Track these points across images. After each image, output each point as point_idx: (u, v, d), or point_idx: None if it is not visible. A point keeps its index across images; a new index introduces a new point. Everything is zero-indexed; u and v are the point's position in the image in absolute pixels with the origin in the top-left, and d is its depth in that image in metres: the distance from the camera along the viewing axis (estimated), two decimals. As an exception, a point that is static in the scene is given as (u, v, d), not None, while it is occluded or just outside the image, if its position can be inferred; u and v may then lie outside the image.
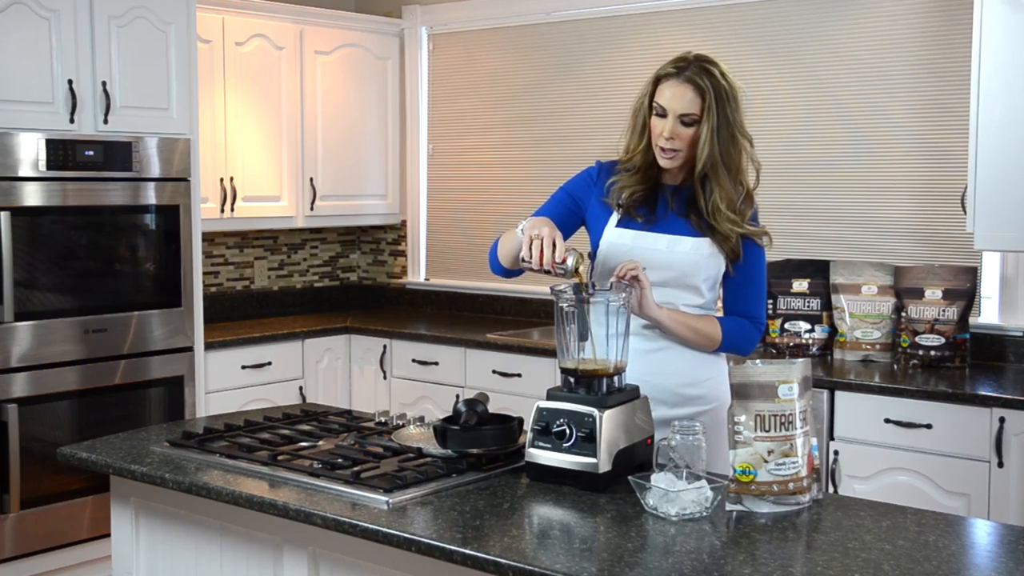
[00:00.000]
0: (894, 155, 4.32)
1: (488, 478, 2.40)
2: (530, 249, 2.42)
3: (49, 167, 4.09)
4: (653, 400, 2.54)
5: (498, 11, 5.42)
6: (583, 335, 2.41)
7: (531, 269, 2.47)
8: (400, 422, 2.84)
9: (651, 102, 2.59)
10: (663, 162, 2.59)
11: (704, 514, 2.16)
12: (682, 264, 2.61)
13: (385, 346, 5.11)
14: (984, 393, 3.54)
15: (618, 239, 2.64)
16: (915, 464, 3.65)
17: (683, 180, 2.66)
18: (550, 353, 4.43)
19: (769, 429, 2.20)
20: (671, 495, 2.15)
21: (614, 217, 2.67)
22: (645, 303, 2.54)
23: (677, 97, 2.53)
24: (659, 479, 2.20)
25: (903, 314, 4.08)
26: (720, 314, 2.71)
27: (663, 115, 2.55)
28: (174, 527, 2.66)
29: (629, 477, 2.23)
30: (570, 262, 2.40)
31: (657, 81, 2.59)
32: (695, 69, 2.53)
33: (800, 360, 2.28)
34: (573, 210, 2.73)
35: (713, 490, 2.17)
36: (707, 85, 2.51)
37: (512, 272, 2.71)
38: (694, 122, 2.53)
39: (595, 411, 2.32)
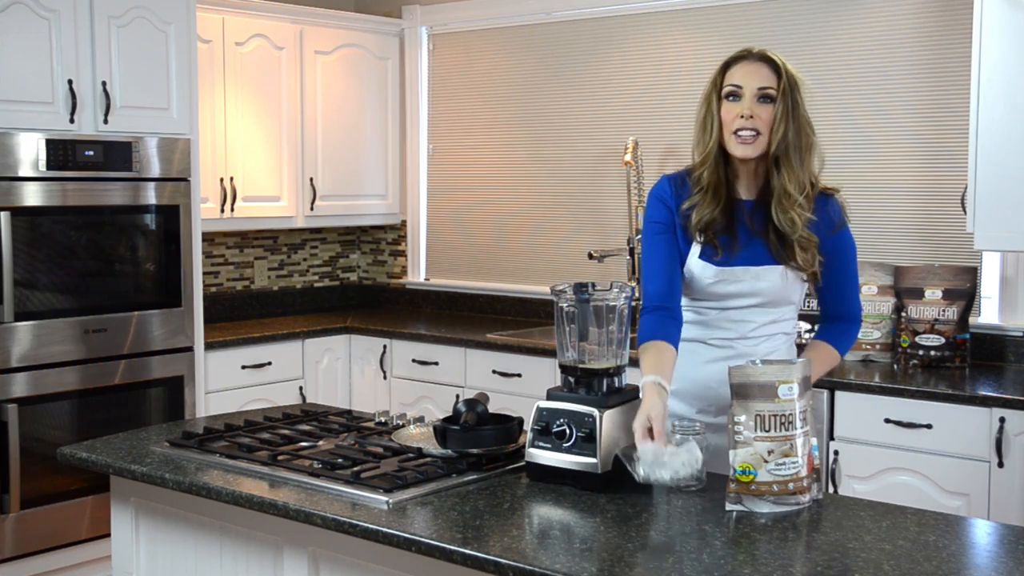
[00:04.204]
0: (894, 155, 4.32)
1: (488, 478, 2.40)
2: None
3: (49, 167, 4.09)
4: (714, 409, 2.58)
5: (498, 11, 5.42)
6: (583, 335, 2.41)
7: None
8: (400, 422, 2.84)
9: (719, 93, 2.52)
10: (740, 150, 2.49)
11: (698, 476, 2.16)
12: (770, 291, 2.56)
13: (385, 346, 5.11)
14: (984, 393, 3.54)
15: (701, 273, 2.57)
16: (915, 464, 3.64)
17: (758, 194, 2.57)
18: (550, 353, 4.42)
19: (769, 429, 2.20)
20: (661, 460, 2.15)
21: (695, 247, 2.58)
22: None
23: (753, 73, 2.49)
24: (645, 447, 2.21)
25: (903, 314, 4.08)
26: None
27: (738, 97, 2.49)
28: (174, 527, 2.66)
29: (616, 451, 2.23)
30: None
31: (725, 68, 2.54)
32: (768, 52, 2.52)
33: (800, 360, 2.28)
34: (675, 238, 2.62)
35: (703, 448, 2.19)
36: (782, 65, 2.50)
37: None
38: (772, 99, 2.47)
39: (595, 411, 2.32)
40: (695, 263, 2.58)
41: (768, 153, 2.51)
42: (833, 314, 2.69)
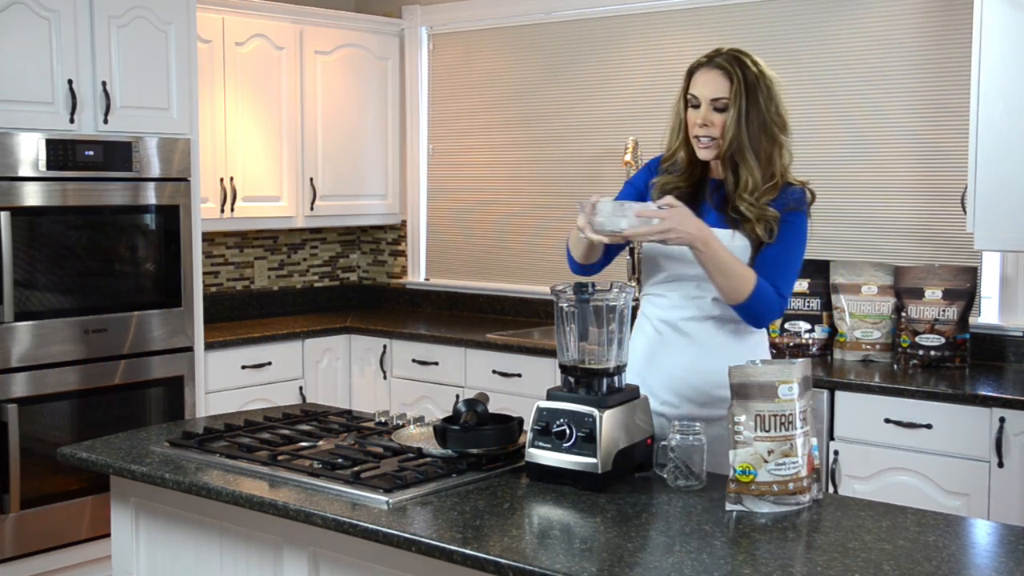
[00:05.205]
0: (894, 155, 4.32)
1: (488, 478, 2.40)
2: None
3: (49, 167, 4.09)
4: (682, 397, 2.58)
5: (498, 11, 5.42)
6: (583, 335, 2.41)
7: (586, 234, 2.47)
8: (400, 422, 2.84)
9: (686, 97, 2.64)
10: (701, 153, 2.63)
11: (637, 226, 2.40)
12: None
13: (385, 346, 5.11)
14: (984, 393, 3.54)
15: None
16: (915, 464, 3.65)
17: (724, 176, 2.66)
18: (550, 353, 4.42)
19: (769, 429, 2.20)
20: (620, 212, 2.37)
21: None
22: (686, 219, 2.45)
23: (708, 83, 2.58)
24: (604, 203, 2.40)
25: (903, 314, 4.08)
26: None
27: (697, 105, 2.60)
28: (174, 527, 2.66)
29: (577, 205, 2.42)
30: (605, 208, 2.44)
31: (690, 74, 2.64)
32: (726, 58, 2.60)
33: (800, 360, 2.28)
34: (637, 199, 2.71)
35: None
36: (736, 71, 2.56)
37: (588, 268, 2.72)
38: (726, 107, 2.57)
39: (595, 411, 2.32)
40: None
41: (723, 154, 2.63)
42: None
